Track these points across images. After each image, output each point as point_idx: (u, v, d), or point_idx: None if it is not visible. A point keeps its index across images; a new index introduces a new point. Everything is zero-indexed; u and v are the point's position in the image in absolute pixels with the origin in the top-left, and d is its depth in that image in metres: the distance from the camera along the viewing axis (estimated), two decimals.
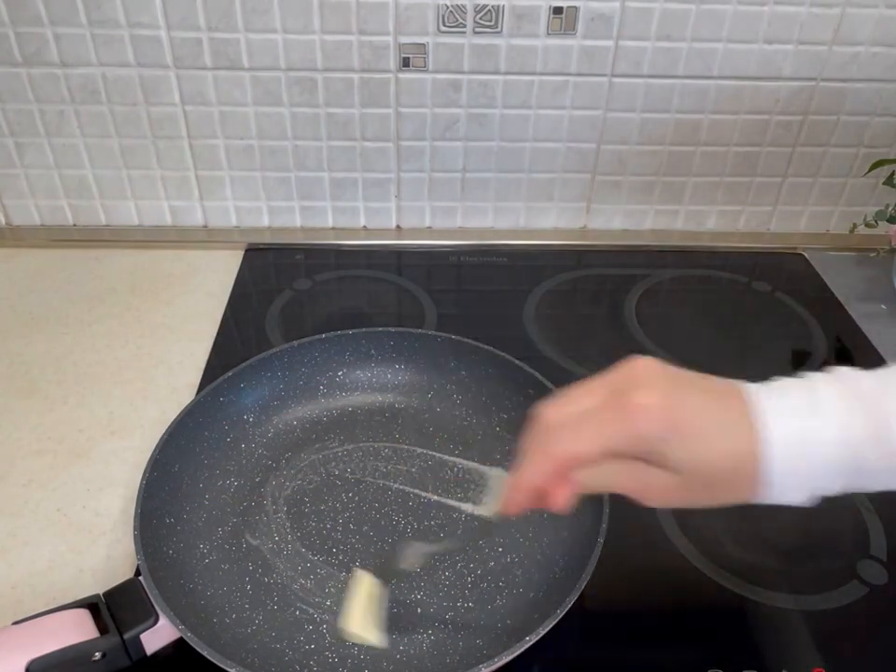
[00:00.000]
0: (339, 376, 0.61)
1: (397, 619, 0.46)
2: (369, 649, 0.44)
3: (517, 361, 0.58)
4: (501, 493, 0.39)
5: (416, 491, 0.54)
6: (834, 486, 0.34)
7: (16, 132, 0.77)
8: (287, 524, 0.52)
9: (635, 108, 0.77)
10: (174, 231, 0.84)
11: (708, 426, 0.34)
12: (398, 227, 0.86)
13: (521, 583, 0.48)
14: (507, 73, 0.75)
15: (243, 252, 0.82)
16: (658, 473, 0.34)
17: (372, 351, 0.62)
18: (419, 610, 0.47)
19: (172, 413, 0.54)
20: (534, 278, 0.79)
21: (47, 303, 0.73)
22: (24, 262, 0.79)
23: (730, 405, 0.34)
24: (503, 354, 0.59)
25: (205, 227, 0.85)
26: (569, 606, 0.41)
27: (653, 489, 0.35)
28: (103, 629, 0.41)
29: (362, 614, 0.43)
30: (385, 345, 0.62)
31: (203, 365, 0.66)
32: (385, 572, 0.45)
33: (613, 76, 0.75)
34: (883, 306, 0.77)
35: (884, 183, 0.75)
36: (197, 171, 0.80)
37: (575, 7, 0.71)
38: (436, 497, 0.54)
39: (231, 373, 0.57)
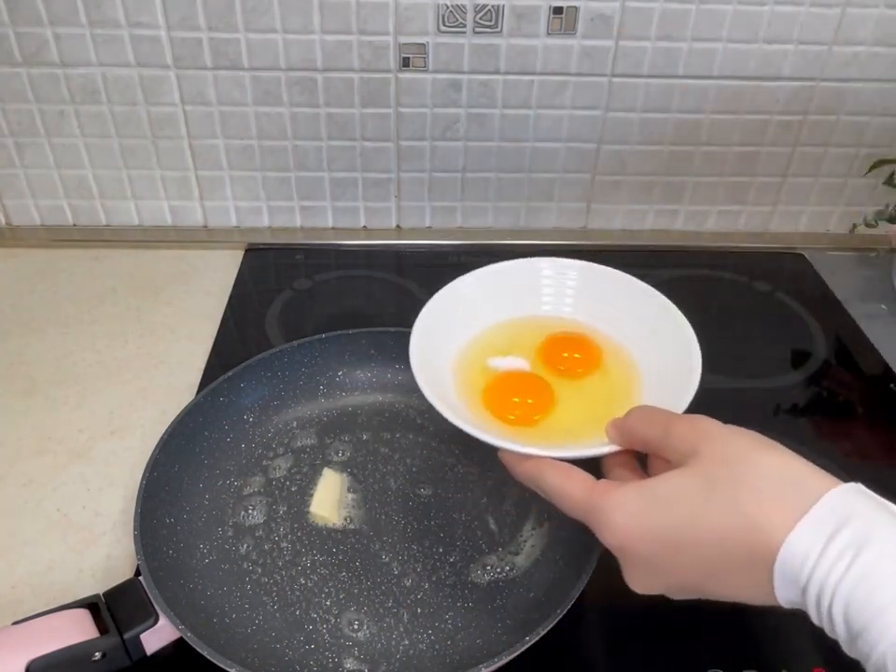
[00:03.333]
0: (339, 376, 0.61)
1: (397, 619, 0.46)
2: (368, 649, 0.45)
3: None
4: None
5: (416, 491, 0.54)
6: None
7: (16, 132, 0.77)
8: (287, 523, 0.52)
9: (635, 108, 0.77)
10: (174, 230, 0.84)
11: None
12: (398, 227, 0.86)
13: (521, 583, 0.48)
14: (507, 73, 0.75)
15: (243, 252, 0.82)
16: None
17: (372, 351, 0.62)
18: (419, 610, 0.47)
19: (172, 413, 0.54)
20: None
21: (47, 303, 0.73)
22: (24, 262, 0.79)
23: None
24: None
25: (205, 227, 0.85)
26: (569, 606, 0.41)
27: None
28: (103, 629, 0.41)
29: (325, 501, 0.52)
30: (385, 345, 0.61)
31: (203, 365, 0.66)
32: None
33: (613, 76, 0.75)
34: (883, 306, 0.77)
35: (884, 183, 0.75)
36: (197, 171, 0.80)
37: (575, 7, 0.71)
38: (435, 498, 0.54)
39: (230, 373, 0.57)
